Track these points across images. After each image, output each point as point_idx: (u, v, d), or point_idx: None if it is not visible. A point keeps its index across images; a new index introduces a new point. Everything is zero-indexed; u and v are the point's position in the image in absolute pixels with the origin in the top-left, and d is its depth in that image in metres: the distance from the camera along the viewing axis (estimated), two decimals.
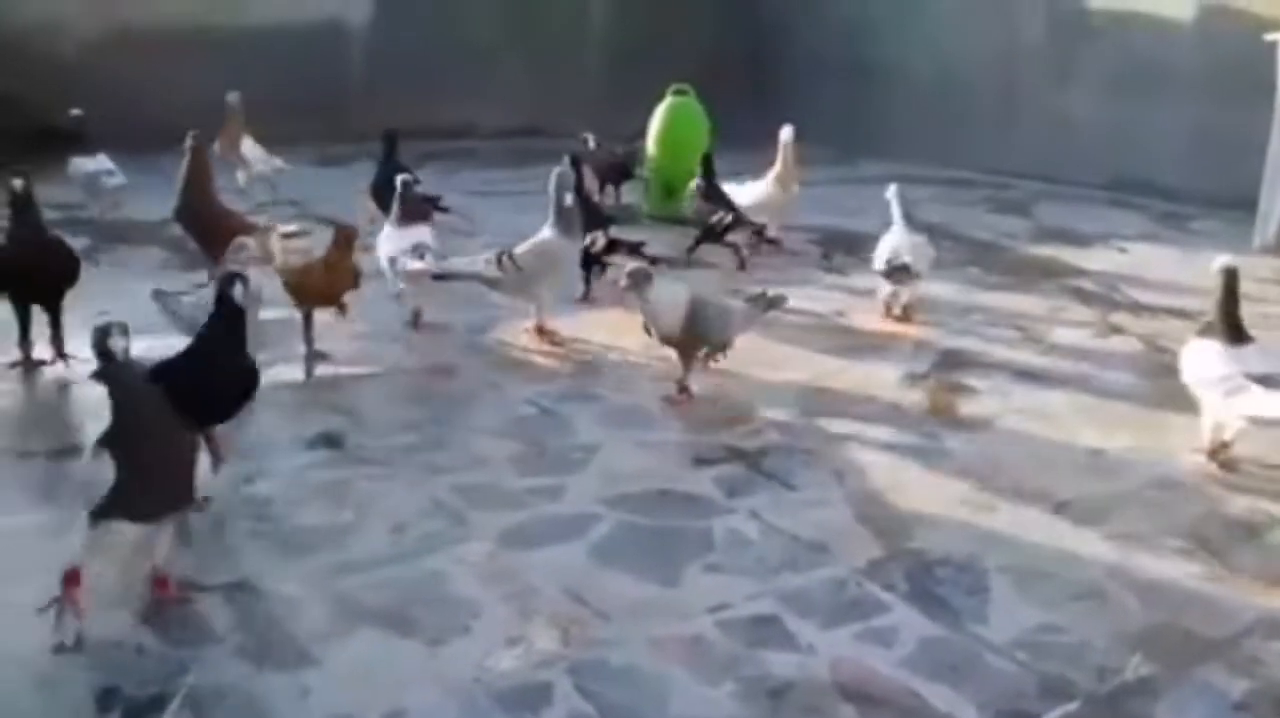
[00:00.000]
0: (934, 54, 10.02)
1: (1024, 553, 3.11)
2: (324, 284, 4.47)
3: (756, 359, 4.63)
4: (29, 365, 4.33)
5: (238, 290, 3.26)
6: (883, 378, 4.49)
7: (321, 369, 4.44)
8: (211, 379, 3.25)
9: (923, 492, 3.46)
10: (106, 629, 2.65)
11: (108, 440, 2.64)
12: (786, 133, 6.69)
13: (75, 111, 6.88)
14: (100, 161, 6.80)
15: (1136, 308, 5.54)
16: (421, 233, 5.07)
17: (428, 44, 9.91)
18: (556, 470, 3.56)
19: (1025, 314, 5.44)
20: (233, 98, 7.46)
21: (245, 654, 2.57)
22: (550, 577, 2.92)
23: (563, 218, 4.86)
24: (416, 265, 4.84)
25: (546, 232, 4.88)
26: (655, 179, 7.50)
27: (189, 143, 5.36)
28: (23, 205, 4.27)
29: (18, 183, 4.24)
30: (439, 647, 2.62)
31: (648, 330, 4.29)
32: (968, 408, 4.22)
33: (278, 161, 7.49)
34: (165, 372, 3.11)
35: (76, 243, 6.24)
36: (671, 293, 4.20)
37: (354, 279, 4.54)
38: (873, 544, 3.13)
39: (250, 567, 2.92)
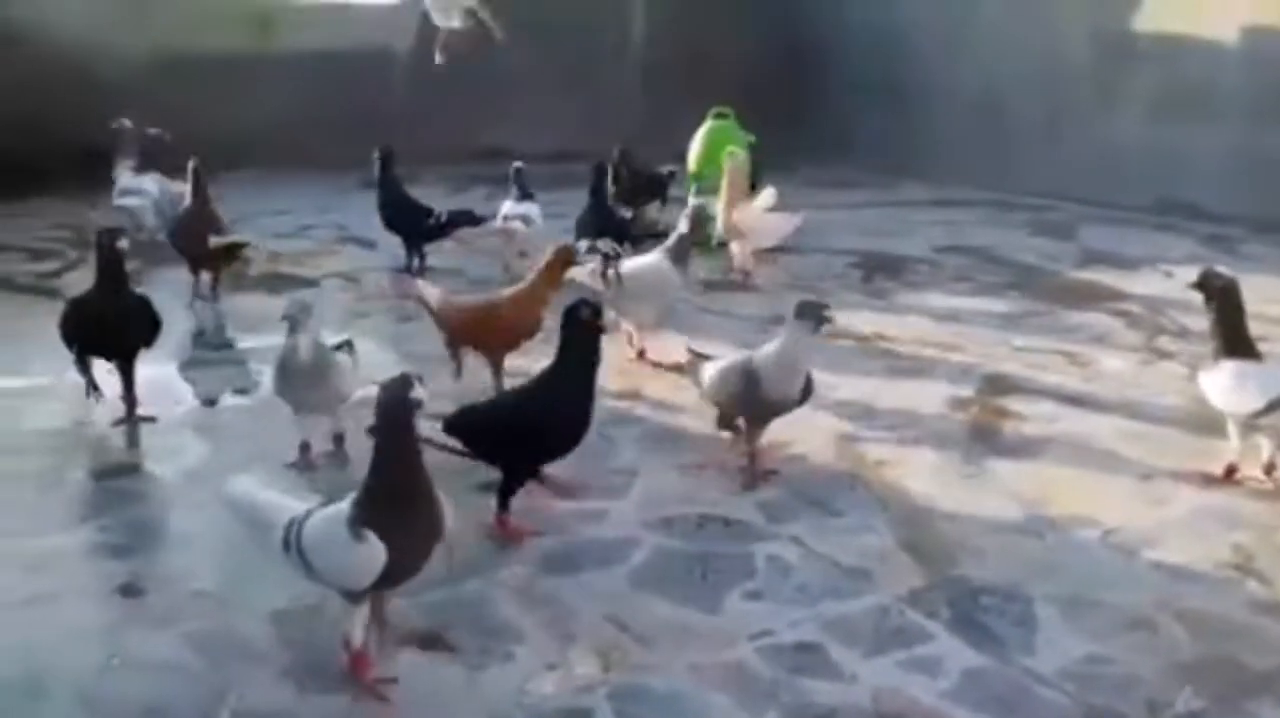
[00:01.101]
0: (977, 75, 9.98)
1: (1071, 581, 3.07)
2: (516, 321, 4.13)
3: None
4: (132, 419, 4.10)
5: (585, 313, 3.14)
6: (926, 401, 4.46)
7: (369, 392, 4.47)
8: (561, 417, 3.17)
9: (967, 518, 3.43)
10: (153, 650, 2.68)
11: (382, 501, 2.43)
12: (728, 157, 6.58)
13: (155, 131, 6.96)
14: (159, 182, 6.91)
15: (1183, 333, 5.46)
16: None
17: (469, 68, 9.99)
18: (598, 494, 3.56)
19: (1070, 338, 5.38)
20: (123, 123, 7.14)
21: (290, 676, 2.59)
22: (591, 601, 2.92)
23: (678, 246, 4.85)
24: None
25: (656, 256, 4.90)
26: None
27: (192, 164, 5.72)
28: (112, 263, 4.07)
29: (123, 244, 4.05)
30: (480, 671, 2.62)
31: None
32: (1013, 433, 4.18)
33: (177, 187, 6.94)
34: (517, 408, 3.13)
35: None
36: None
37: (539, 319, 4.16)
38: (916, 571, 3.10)
39: (295, 590, 2.93)
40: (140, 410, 4.12)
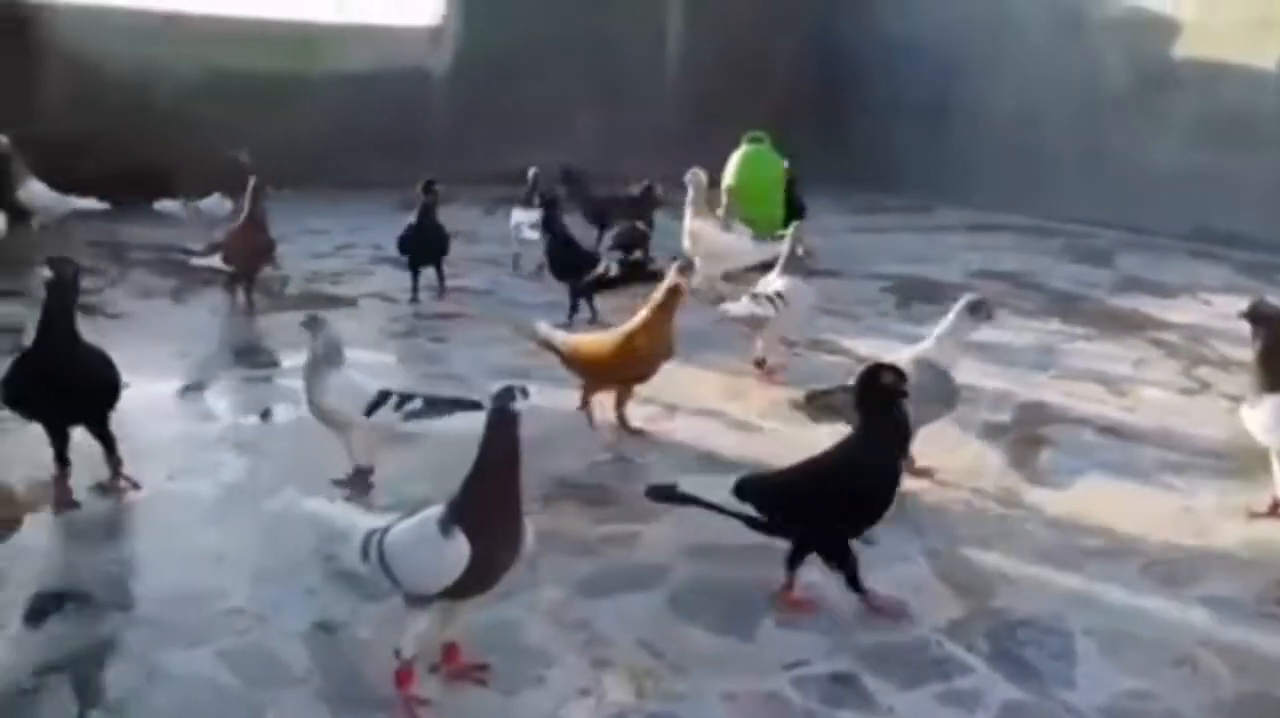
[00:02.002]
0: (1015, 100, 9.96)
1: (1111, 615, 3.02)
2: (652, 351, 4.11)
3: (829, 408, 4.60)
4: (118, 488, 3.64)
5: (888, 378, 2.96)
6: (962, 429, 4.41)
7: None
8: (872, 485, 2.96)
9: (1005, 549, 3.39)
10: (188, 667, 2.69)
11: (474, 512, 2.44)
12: (691, 175, 6.63)
13: (238, 153, 7.04)
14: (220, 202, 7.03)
15: (1224, 362, 5.40)
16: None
17: (506, 91, 10.09)
18: (632, 518, 3.55)
19: (1108, 367, 5.32)
20: (1, 140, 7.09)
21: (323, 697, 2.59)
22: (624, 627, 2.90)
23: (791, 263, 5.02)
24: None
25: (780, 277, 4.97)
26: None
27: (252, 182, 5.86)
28: (60, 301, 3.38)
29: (67, 269, 3.40)
30: (512, 696, 2.61)
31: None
32: (1050, 462, 4.13)
33: (76, 202, 7.22)
34: (825, 475, 2.96)
35: (165, 283, 6.52)
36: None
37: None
38: (954, 603, 3.07)
39: (329, 609, 2.95)
40: (125, 477, 3.66)
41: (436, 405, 3.64)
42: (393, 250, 7.17)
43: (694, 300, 6.16)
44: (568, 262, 5.97)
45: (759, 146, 7.83)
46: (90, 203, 7.21)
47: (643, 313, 4.20)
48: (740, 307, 4.97)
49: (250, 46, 9.41)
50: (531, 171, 7.14)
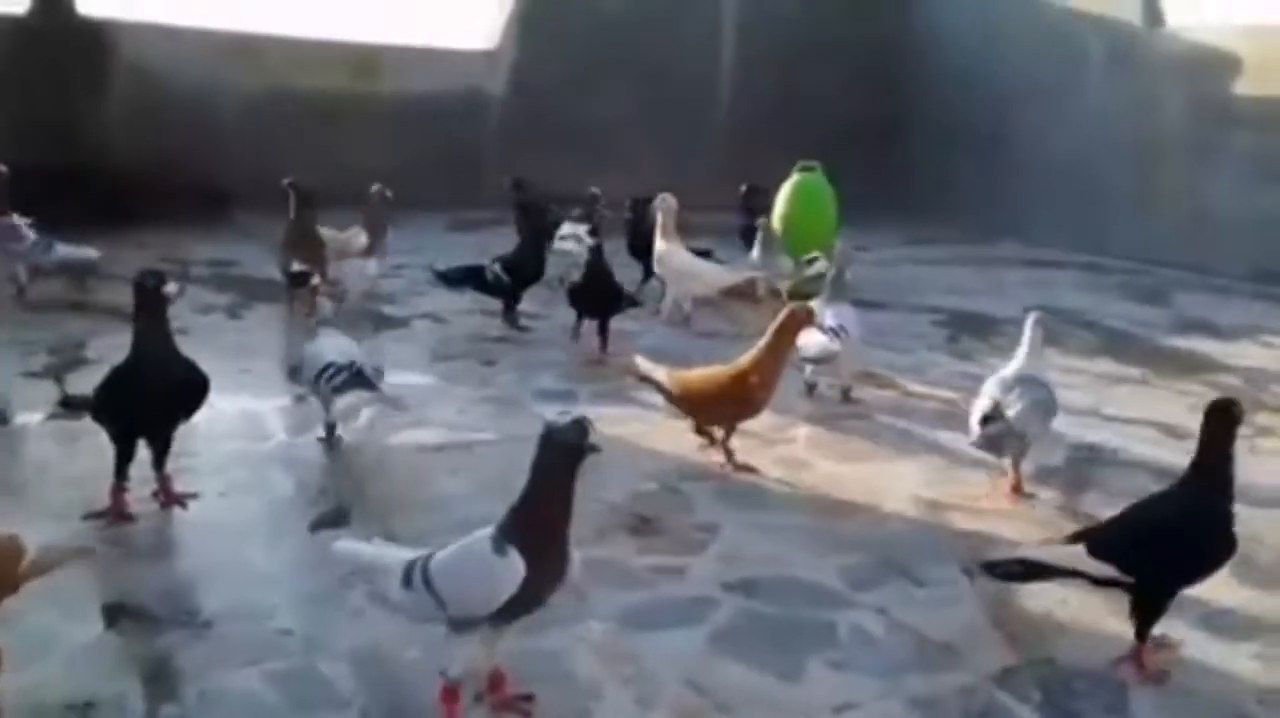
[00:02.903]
0: (1072, 134, 9.86)
1: (1168, 668, 2.95)
2: (763, 387, 4.07)
3: (879, 445, 4.57)
4: (170, 501, 3.68)
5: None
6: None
7: (445, 435, 4.52)
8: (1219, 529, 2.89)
9: (1058, 595, 3.31)
10: (237, 686, 2.71)
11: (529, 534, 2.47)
12: (660, 200, 6.64)
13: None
14: None
15: None
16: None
17: (559, 115, 10.17)
18: (679, 550, 3.54)
19: (1164, 409, 5.23)
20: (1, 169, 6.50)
21: None
22: (670, 662, 2.89)
23: (841, 287, 5.17)
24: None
25: (829, 305, 5.02)
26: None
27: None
28: (152, 312, 3.52)
29: (172, 287, 3.60)
30: None
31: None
32: (1103, 505, 4.06)
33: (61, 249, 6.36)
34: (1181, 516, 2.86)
35: (221, 298, 6.63)
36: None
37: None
38: (1005, 650, 3.01)
39: (376, 633, 2.96)
40: (176, 490, 3.70)
41: (356, 381, 4.18)
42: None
43: (662, 324, 6.34)
44: (599, 294, 5.82)
45: (811, 175, 7.82)
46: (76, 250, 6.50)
47: (755, 350, 4.15)
48: (814, 345, 4.89)
49: (313, 67, 9.57)
50: (592, 191, 7.22)
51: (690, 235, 6.87)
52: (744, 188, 7.87)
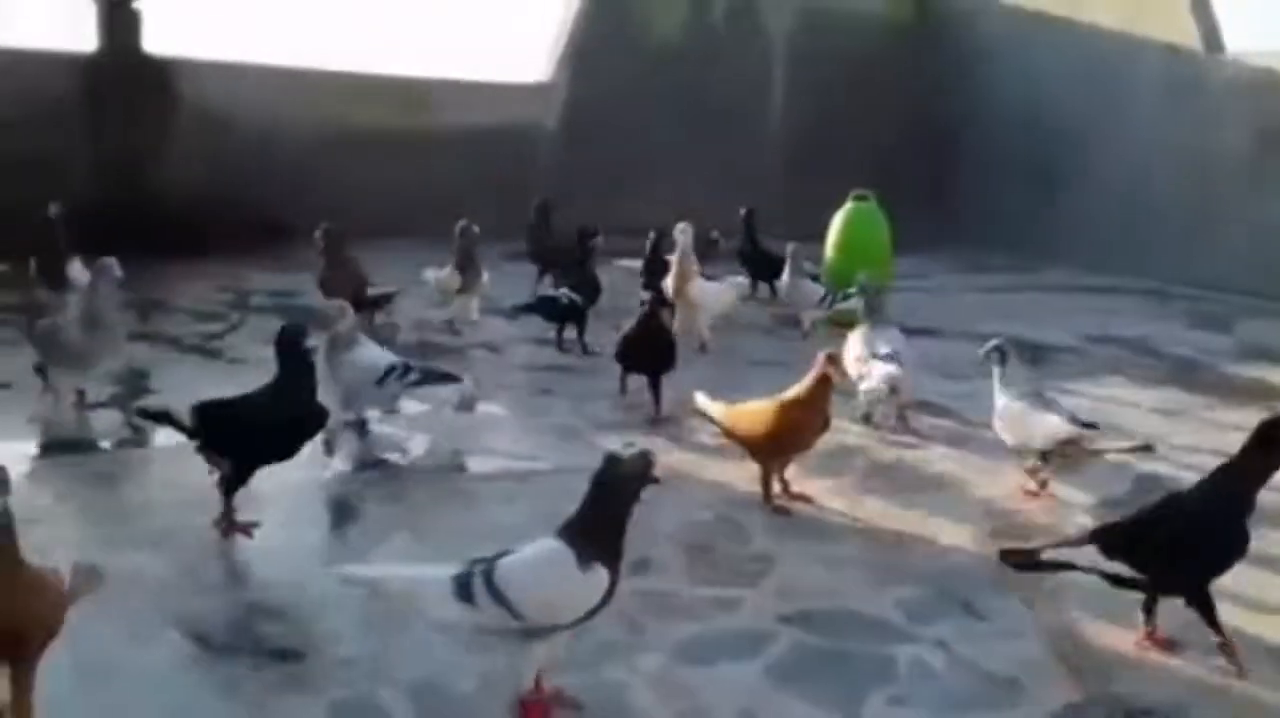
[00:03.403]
0: (1128, 161, 9.74)
1: (1238, 707, 2.89)
2: (802, 425, 4.08)
3: (938, 474, 4.52)
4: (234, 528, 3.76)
5: None
6: (1073, 501, 4.29)
7: (501, 463, 4.55)
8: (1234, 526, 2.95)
9: (1124, 630, 3.25)
10: (297, 712, 2.74)
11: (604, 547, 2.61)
12: (679, 233, 6.62)
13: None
14: None
15: None
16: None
17: (612, 147, 10.25)
18: (733, 581, 3.52)
19: (1229, 439, 5.10)
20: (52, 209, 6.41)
21: None
22: (726, 696, 2.87)
23: (874, 314, 5.32)
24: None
25: (874, 330, 5.15)
26: (835, 284, 7.39)
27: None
28: (299, 359, 3.80)
29: (295, 330, 3.84)
30: None
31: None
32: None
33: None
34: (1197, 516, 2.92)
35: (271, 325, 6.70)
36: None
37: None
38: (1069, 685, 2.95)
39: (435, 663, 2.97)
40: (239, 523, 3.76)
41: (429, 378, 4.69)
42: (500, 301, 7.30)
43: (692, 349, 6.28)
44: (651, 350, 5.29)
45: (864, 204, 7.79)
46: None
47: (801, 384, 4.11)
48: (876, 375, 4.92)
49: (368, 102, 9.74)
50: (652, 235, 7.16)
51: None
52: (743, 210, 8.16)
